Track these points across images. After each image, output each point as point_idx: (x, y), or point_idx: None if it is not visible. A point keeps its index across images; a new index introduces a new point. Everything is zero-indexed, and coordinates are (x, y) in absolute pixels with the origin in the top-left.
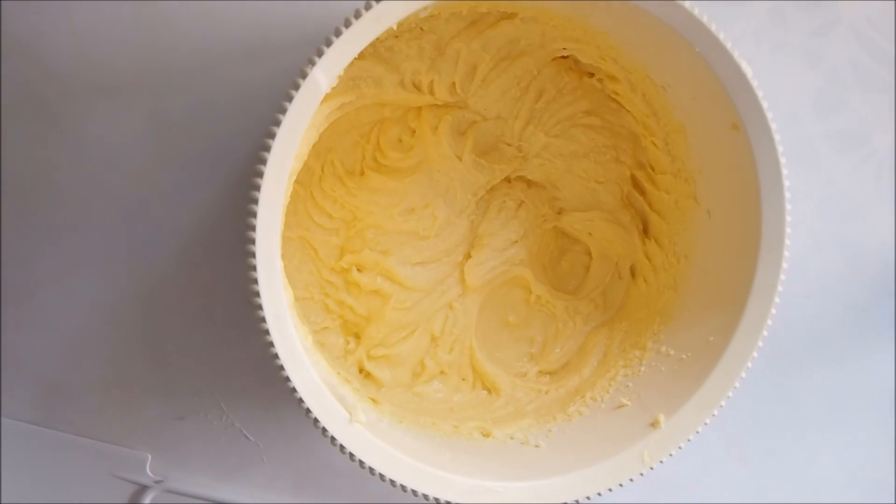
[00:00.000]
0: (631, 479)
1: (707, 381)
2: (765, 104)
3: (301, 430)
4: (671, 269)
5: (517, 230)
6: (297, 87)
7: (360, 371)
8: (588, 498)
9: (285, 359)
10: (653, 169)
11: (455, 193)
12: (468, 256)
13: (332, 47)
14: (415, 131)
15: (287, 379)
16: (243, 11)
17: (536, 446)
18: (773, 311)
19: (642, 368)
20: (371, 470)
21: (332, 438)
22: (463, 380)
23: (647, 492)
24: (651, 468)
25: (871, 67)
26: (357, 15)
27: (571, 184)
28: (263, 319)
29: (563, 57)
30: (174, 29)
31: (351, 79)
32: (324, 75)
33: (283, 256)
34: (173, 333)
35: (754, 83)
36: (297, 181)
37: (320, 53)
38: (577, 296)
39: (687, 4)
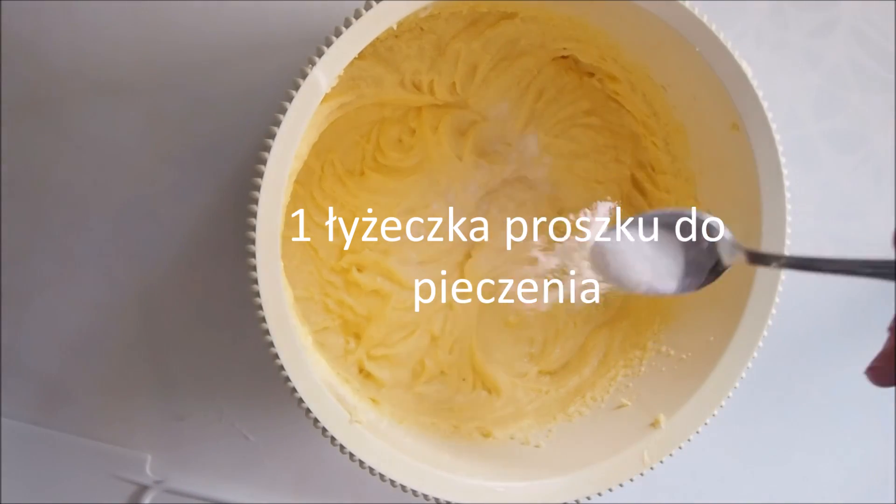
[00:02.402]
0: (631, 479)
1: (707, 381)
2: (765, 104)
3: (301, 430)
4: None
5: (517, 230)
6: (297, 87)
7: (360, 371)
8: (588, 498)
9: (285, 359)
10: (653, 169)
11: (455, 193)
12: (468, 256)
13: (332, 47)
14: (415, 131)
15: (287, 379)
16: (243, 11)
17: (536, 446)
18: (773, 311)
19: (642, 368)
20: (371, 470)
21: (332, 438)
22: (463, 380)
23: (647, 492)
24: (651, 468)
25: (871, 67)
26: (357, 15)
27: (571, 184)
28: (263, 319)
29: (563, 57)
30: (174, 28)
31: (351, 79)
32: (324, 75)
33: (283, 256)
34: (173, 333)
35: (754, 83)
36: (297, 181)
37: (320, 53)
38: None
39: (687, 4)
